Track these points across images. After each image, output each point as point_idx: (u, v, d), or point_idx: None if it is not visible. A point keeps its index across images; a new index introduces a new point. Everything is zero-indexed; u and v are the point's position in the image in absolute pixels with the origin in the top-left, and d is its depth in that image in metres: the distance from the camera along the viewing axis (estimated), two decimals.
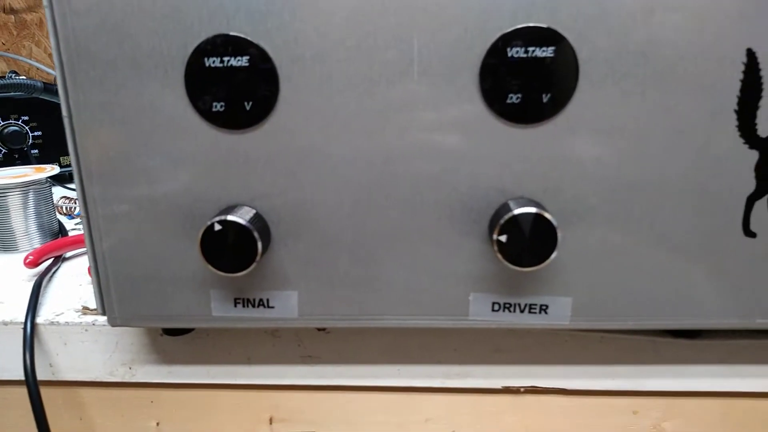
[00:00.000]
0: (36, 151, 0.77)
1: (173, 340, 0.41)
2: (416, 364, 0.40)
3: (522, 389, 0.40)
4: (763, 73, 0.30)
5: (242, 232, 0.31)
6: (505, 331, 0.39)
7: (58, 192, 0.76)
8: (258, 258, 0.32)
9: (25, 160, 0.76)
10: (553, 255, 0.31)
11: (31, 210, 0.54)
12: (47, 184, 0.56)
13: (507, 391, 0.41)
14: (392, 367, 0.41)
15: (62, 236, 0.58)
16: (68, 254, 0.54)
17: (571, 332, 0.39)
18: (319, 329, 0.40)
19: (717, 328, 0.35)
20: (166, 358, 0.41)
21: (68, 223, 0.64)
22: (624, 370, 0.40)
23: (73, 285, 0.47)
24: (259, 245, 0.32)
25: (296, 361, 0.41)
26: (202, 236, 0.32)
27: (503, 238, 0.31)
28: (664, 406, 0.41)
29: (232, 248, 0.32)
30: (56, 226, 0.58)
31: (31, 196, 0.54)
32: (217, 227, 0.31)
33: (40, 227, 0.56)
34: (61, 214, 0.68)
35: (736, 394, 0.40)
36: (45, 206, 0.56)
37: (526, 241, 0.31)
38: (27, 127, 0.76)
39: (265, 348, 0.41)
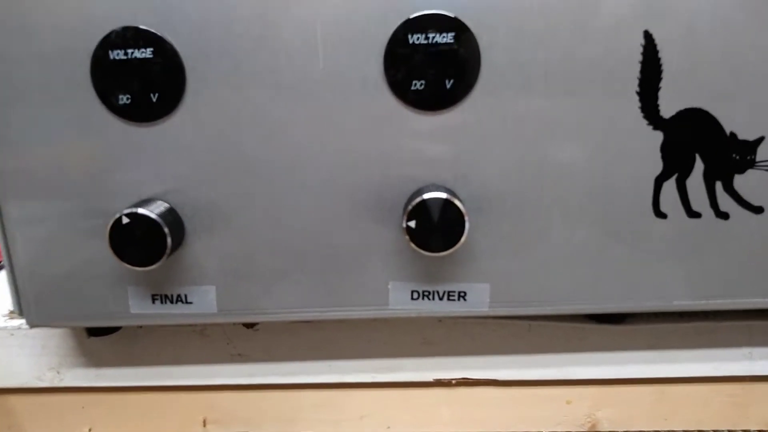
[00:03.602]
0: None
1: (100, 341, 0.40)
2: (347, 359, 0.40)
3: (453, 381, 0.40)
4: (661, 54, 0.31)
5: (150, 224, 0.31)
6: (434, 323, 0.39)
7: None
8: (167, 251, 0.32)
9: None
10: (462, 239, 0.31)
11: None
12: None
13: (439, 383, 0.41)
14: (323, 363, 0.40)
15: None
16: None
17: (499, 321, 0.39)
18: (246, 326, 0.40)
19: (635, 312, 0.36)
20: (93, 360, 0.41)
21: None
22: (554, 359, 0.40)
23: (6, 291, 0.46)
24: (168, 238, 0.31)
25: (226, 360, 0.40)
26: (111, 229, 0.31)
27: (412, 223, 0.31)
28: (597, 395, 0.41)
29: (140, 241, 0.31)
30: None
31: None
32: (125, 220, 0.31)
33: None
34: None
35: (666, 380, 0.40)
36: None
37: (435, 227, 0.31)
38: None
39: (194, 347, 0.40)
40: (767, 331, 0.38)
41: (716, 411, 0.40)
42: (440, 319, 0.39)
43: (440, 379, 0.40)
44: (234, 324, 0.40)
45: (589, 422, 0.41)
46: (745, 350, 0.38)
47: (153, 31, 0.31)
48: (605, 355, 0.39)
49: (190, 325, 0.40)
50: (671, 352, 0.39)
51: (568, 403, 0.41)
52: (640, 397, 0.41)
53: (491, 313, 0.35)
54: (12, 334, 0.40)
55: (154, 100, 0.31)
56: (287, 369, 0.41)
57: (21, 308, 0.35)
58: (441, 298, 0.35)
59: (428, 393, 0.41)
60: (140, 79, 0.31)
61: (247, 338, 0.40)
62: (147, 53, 0.31)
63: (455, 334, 0.39)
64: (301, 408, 0.42)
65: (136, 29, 0.31)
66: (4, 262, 0.35)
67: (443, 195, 0.31)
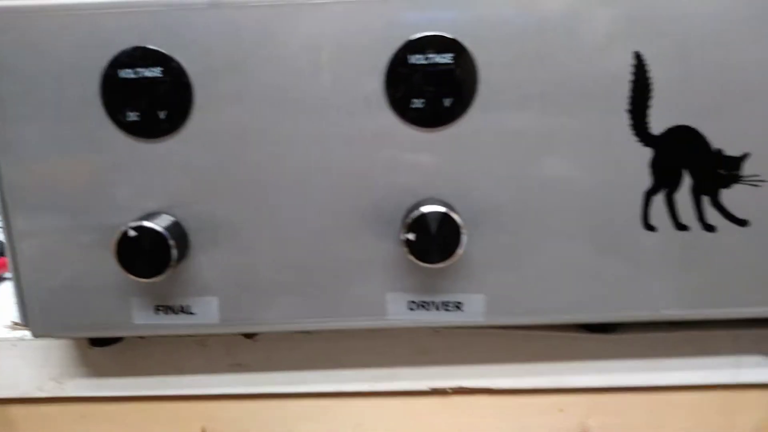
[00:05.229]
0: None
1: (102, 352, 0.41)
2: (344, 368, 0.41)
3: (449, 390, 0.41)
4: (650, 74, 0.32)
5: (156, 237, 0.32)
6: (431, 332, 0.40)
7: None
8: (172, 264, 0.32)
9: None
10: (459, 252, 0.32)
11: None
12: None
13: (435, 392, 0.41)
14: (321, 372, 0.41)
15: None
16: (8, 275, 0.54)
17: (495, 331, 0.40)
18: (246, 336, 0.40)
19: (627, 321, 0.37)
20: (95, 370, 0.41)
21: None
22: (547, 368, 0.41)
23: (10, 303, 0.47)
24: (173, 251, 0.32)
25: (225, 370, 0.41)
26: (117, 241, 0.32)
27: (411, 236, 0.32)
28: (589, 404, 0.42)
29: (146, 254, 0.32)
30: None
31: None
32: (132, 233, 0.32)
33: None
34: None
35: (657, 388, 0.41)
36: None
37: (433, 239, 0.32)
38: None
39: (194, 358, 0.41)
40: (753, 340, 0.39)
41: (705, 419, 0.41)
42: (437, 330, 0.40)
43: (436, 388, 0.41)
44: (234, 335, 0.40)
45: (581, 430, 0.42)
46: (732, 359, 0.40)
47: (161, 50, 0.32)
48: (597, 363, 0.40)
49: (191, 336, 0.40)
50: (661, 360, 0.40)
51: (560, 411, 0.42)
52: (631, 406, 0.42)
53: (487, 323, 0.36)
54: (14, 345, 0.41)
55: (162, 117, 0.32)
56: (285, 378, 0.41)
57: (27, 319, 0.36)
58: (437, 309, 0.36)
59: (425, 402, 0.42)
60: (149, 97, 0.32)
61: (246, 349, 0.41)
62: (156, 72, 0.32)
63: (451, 344, 0.40)
64: (298, 417, 0.43)
65: (146, 49, 0.32)
66: (12, 273, 0.35)
67: (441, 209, 0.32)
